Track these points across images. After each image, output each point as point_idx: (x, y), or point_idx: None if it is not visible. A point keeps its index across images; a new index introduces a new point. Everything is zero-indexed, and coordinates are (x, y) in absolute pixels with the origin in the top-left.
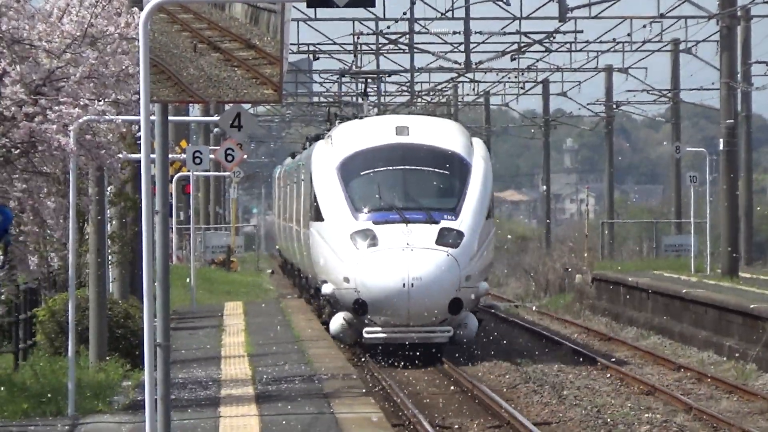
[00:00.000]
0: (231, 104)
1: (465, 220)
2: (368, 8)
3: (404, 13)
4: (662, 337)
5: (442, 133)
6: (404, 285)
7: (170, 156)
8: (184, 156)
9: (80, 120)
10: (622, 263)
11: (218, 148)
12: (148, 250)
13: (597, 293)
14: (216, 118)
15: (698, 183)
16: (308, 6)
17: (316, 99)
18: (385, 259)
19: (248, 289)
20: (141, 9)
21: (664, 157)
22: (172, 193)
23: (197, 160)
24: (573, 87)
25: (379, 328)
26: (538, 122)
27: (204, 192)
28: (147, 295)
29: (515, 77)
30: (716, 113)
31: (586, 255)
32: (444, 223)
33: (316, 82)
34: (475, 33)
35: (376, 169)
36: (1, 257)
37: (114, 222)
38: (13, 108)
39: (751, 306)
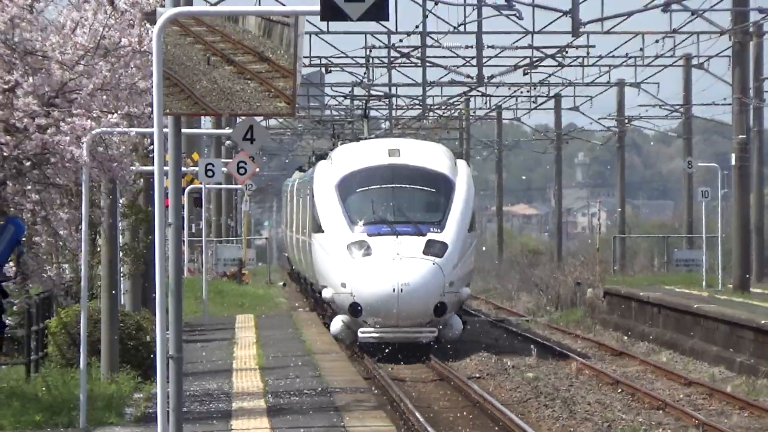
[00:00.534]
0: (243, 117)
1: (449, 233)
2: (381, 22)
3: (417, 27)
4: (673, 352)
5: (429, 155)
6: (394, 290)
7: (182, 168)
8: (196, 168)
9: (93, 132)
10: (634, 278)
11: (231, 160)
12: (161, 262)
13: (608, 308)
14: (228, 130)
15: (710, 198)
16: (321, 19)
17: (327, 112)
18: (378, 267)
19: (260, 302)
20: (154, 22)
21: (676, 172)
22: (184, 206)
23: (209, 173)
24: (585, 101)
25: (372, 329)
26: (550, 136)
27: (216, 204)
28: (159, 307)
29: (527, 91)
30: (728, 128)
31: (597, 269)
32: (430, 235)
33: (328, 95)
34: (488, 47)
35: (370, 187)
36: (14, 268)
37: (126, 234)
38: (25, 119)
39: (763, 321)
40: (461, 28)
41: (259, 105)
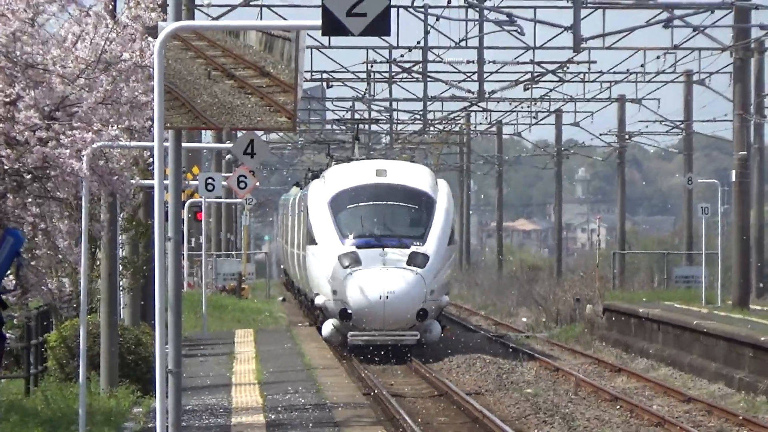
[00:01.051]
0: (244, 131)
1: (430, 246)
2: (382, 37)
3: (418, 42)
4: (673, 368)
5: (413, 175)
6: (381, 297)
7: (182, 182)
8: (196, 182)
9: (94, 145)
10: (633, 294)
11: (231, 174)
12: (161, 276)
13: (608, 324)
14: (229, 144)
15: (710, 214)
16: (323, 34)
17: (328, 127)
18: (366, 276)
19: (259, 317)
20: (155, 36)
21: (676, 188)
22: (183, 220)
23: (210, 187)
24: (586, 117)
25: (360, 332)
26: (551, 152)
27: (216, 219)
28: (159, 322)
29: (528, 107)
30: (729, 144)
31: (597, 285)
32: (413, 248)
33: (329, 110)
34: (489, 62)
35: (359, 204)
36: (14, 281)
37: (126, 248)
38: (26, 133)
39: (762, 338)
40: (462, 44)
41: (259, 119)
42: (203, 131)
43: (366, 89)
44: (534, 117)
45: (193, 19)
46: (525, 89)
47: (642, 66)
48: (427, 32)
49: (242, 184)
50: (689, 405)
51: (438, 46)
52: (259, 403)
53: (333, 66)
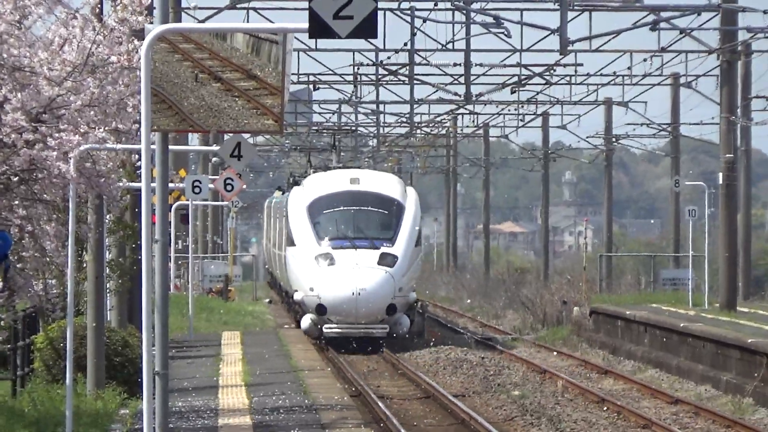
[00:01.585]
0: (230, 133)
1: (399, 247)
2: (369, 39)
3: (405, 45)
4: (660, 370)
5: (383, 183)
6: (353, 294)
7: (169, 185)
8: (182, 185)
9: (81, 148)
10: (620, 296)
11: (218, 177)
12: (147, 278)
13: (594, 326)
14: (216, 147)
15: (697, 217)
16: (310, 37)
17: (315, 129)
18: (340, 274)
19: (246, 319)
20: (142, 38)
21: (663, 191)
22: (170, 222)
23: (197, 190)
24: (573, 120)
25: (335, 326)
26: (538, 155)
27: (202, 221)
28: (146, 324)
29: (515, 109)
30: (715, 147)
31: (583, 288)
32: (383, 249)
33: (315, 113)
34: (476, 65)
35: (334, 209)
36: (1, 283)
37: (113, 250)
38: (13, 135)
39: (749, 340)
40: (449, 46)
41: (246, 122)
42: (190, 134)
43: (353, 92)
44: (521, 120)
45: (179, 21)
46: (512, 92)
47: (629, 68)
48: (413, 35)
49: (229, 187)
50: (676, 407)
51: (425, 48)
52: (246, 405)
53: (320, 68)
